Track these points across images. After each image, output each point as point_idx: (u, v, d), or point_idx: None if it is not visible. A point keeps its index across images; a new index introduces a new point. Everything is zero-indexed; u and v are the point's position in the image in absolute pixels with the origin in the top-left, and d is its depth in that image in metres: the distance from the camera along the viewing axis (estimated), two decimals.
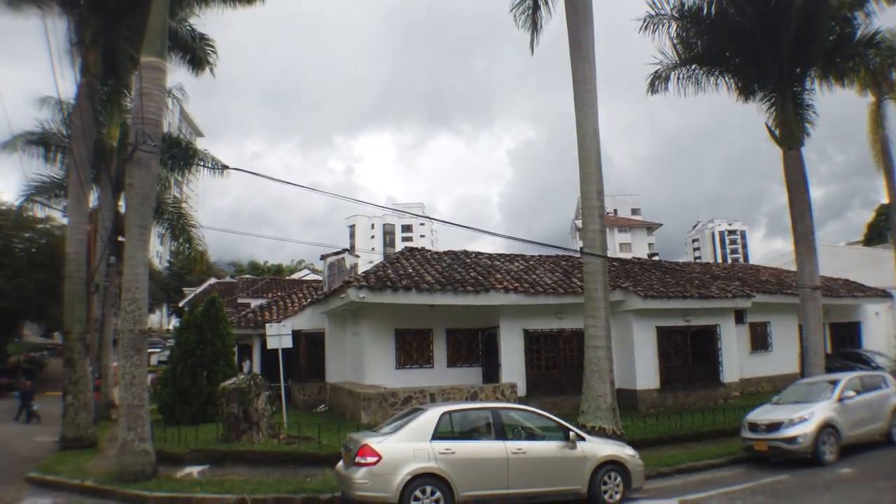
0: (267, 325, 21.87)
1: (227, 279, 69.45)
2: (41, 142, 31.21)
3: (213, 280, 64.99)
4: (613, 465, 12.12)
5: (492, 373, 23.62)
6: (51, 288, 44.62)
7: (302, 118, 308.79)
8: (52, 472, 14.78)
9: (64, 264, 20.44)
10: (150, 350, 59.22)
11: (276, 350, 20.81)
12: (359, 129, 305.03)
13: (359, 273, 25.87)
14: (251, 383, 17.49)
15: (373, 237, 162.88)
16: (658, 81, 23.45)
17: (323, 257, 30.01)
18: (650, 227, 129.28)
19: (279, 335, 20.71)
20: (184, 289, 75.04)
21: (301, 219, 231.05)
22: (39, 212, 36.57)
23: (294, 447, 16.37)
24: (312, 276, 58.78)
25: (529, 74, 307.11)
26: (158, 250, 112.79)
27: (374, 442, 10.99)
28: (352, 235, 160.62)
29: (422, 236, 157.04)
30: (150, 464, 13.61)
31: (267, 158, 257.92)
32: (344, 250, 29.87)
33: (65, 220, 42.30)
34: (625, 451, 12.58)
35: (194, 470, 14.72)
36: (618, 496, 11.97)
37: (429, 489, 10.71)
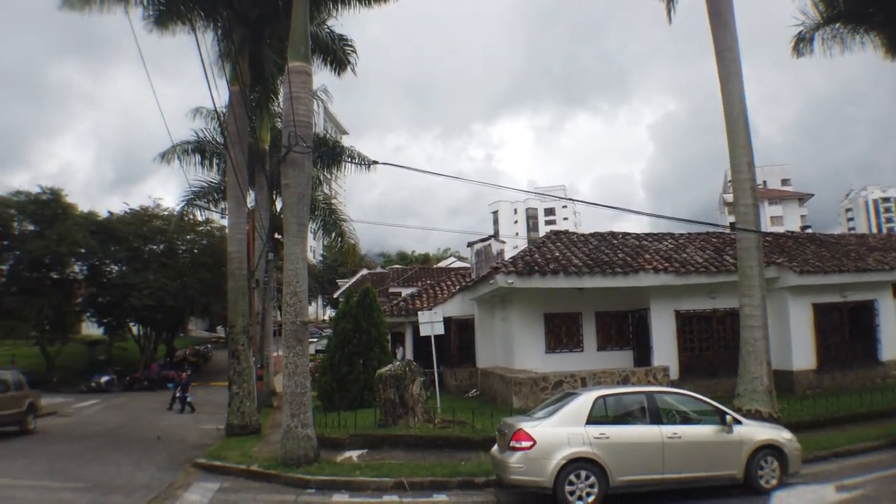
0: (419, 314, 22.30)
1: (378, 270, 71.18)
2: (197, 150, 32.79)
3: (364, 271, 66.77)
4: (770, 449, 11.81)
5: (643, 356, 23.35)
6: (213, 285, 47.27)
7: (440, 109, 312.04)
8: (219, 458, 15.73)
9: (226, 263, 21.68)
10: (308, 340, 61.36)
11: (428, 337, 21.25)
12: (496, 115, 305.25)
13: (505, 259, 26.10)
14: (406, 369, 18.10)
15: (516, 222, 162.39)
16: (802, 44, 22.45)
17: (470, 244, 30.39)
18: (801, 198, 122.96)
19: (431, 322, 21.05)
20: (337, 281, 77.53)
21: (445, 207, 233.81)
22: (199, 215, 38.22)
23: (448, 431, 16.80)
24: (459, 264, 59.40)
25: (666, 45, 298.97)
26: (312, 245, 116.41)
27: (529, 426, 11.13)
28: (495, 221, 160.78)
29: (565, 219, 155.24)
30: (312, 448, 14.39)
31: (409, 151, 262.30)
32: (490, 237, 30.18)
33: (223, 222, 44.54)
34: (782, 435, 12.23)
35: (353, 454, 15.39)
36: (774, 481, 11.69)
37: (583, 474, 10.75)
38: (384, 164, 16.71)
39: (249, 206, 24.95)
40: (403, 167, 19.96)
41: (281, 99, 27.18)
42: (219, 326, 78.36)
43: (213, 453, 16.60)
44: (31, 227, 43.10)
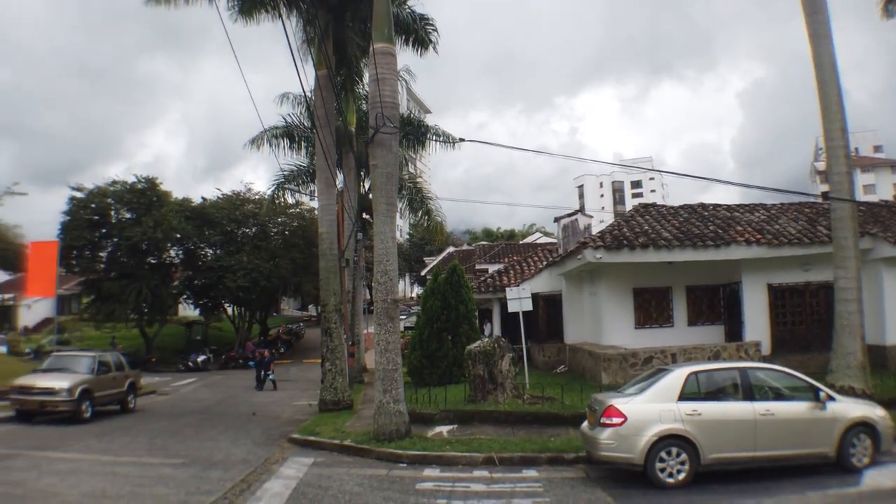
0: (507, 290, 22.27)
1: (464, 247, 71.37)
2: (285, 134, 33.32)
3: (451, 248, 67.00)
4: (863, 426, 11.39)
5: (734, 330, 22.81)
6: (304, 265, 48.29)
7: (522, 84, 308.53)
8: (313, 433, 16.05)
9: (316, 243, 22.10)
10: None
11: (516, 313, 21.23)
12: (579, 87, 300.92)
13: (593, 233, 25.86)
14: (495, 346, 18.15)
15: (602, 196, 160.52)
16: (891, 4, 21.55)
17: (556, 219, 30.19)
18: (894, 166, 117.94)
19: (519, 298, 21.01)
20: (424, 258, 78.09)
21: (529, 183, 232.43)
22: (290, 198, 38.88)
23: (537, 407, 16.80)
24: (544, 239, 59.14)
25: (751, 8, 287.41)
26: (399, 224, 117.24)
27: (620, 403, 11.04)
28: (581, 196, 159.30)
29: (652, 191, 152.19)
30: (404, 424, 14.60)
31: (492, 127, 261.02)
32: (577, 211, 29.90)
33: (312, 204, 45.31)
34: (875, 412, 11.77)
35: (444, 429, 15.56)
36: (866, 459, 11.29)
37: (674, 451, 10.60)
38: (469, 141, 16.78)
39: (338, 187, 25.31)
40: (488, 143, 20.06)
41: (365, 81, 27.43)
42: (310, 305, 79.81)
43: (306, 429, 16.96)
44: (128, 215, 44.64)
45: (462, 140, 16.48)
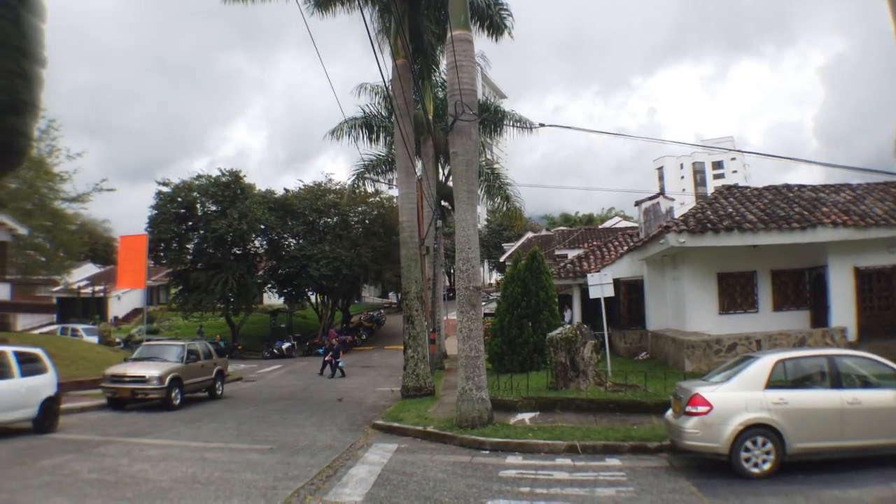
0: (588, 276, 22.05)
1: (543, 232, 70.96)
2: (364, 125, 33.74)
3: (529, 234, 66.70)
4: None
5: (819, 316, 22.08)
6: (385, 253, 48.87)
7: (598, 65, 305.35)
8: (397, 420, 16.17)
9: (396, 231, 22.29)
10: None
11: (597, 299, 21.04)
12: (656, 67, 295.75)
13: (674, 216, 25.43)
14: (577, 332, 18.01)
15: (682, 177, 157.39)
16: None
17: (637, 203, 29.81)
18: None
19: (600, 284, 20.79)
20: (502, 245, 77.96)
21: (608, 166, 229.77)
22: (369, 187, 39.28)
23: (620, 395, 16.64)
24: (624, 223, 58.44)
25: None
26: (477, 210, 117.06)
27: (706, 391, 10.82)
28: (660, 178, 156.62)
29: (734, 172, 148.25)
30: (487, 411, 14.62)
31: (569, 110, 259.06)
32: (658, 194, 29.48)
33: (391, 192, 45.72)
34: None
35: (526, 416, 15.54)
36: None
37: (760, 440, 10.35)
38: (549, 125, 16.54)
39: (417, 175, 25.44)
40: (567, 127, 19.87)
41: (442, 68, 27.51)
42: (391, 292, 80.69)
43: (390, 415, 17.14)
44: (213, 208, 46.02)
45: (541, 125, 16.27)
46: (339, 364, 30.75)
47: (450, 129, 15.61)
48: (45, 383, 15.58)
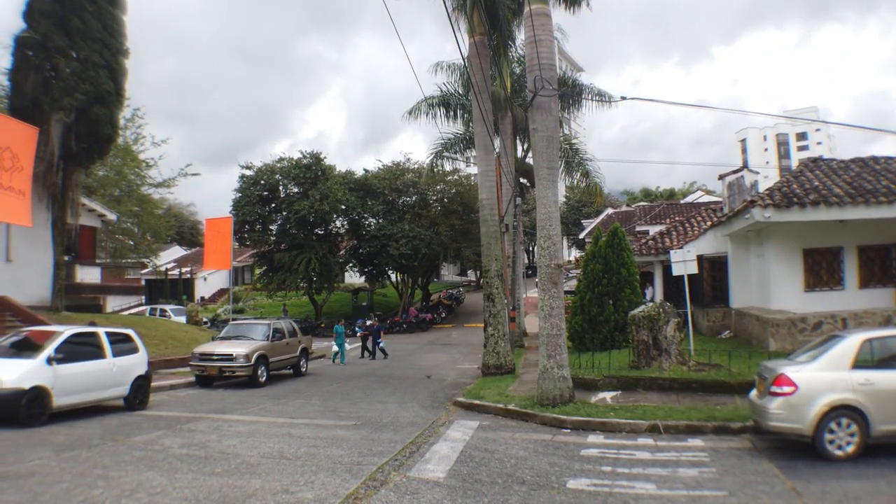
0: (671, 252, 21.65)
1: (623, 208, 70.11)
2: (441, 103, 33.75)
3: (609, 210, 66.00)
4: None
5: None
6: (463, 231, 49.00)
7: (677, 36, 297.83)
8: (478, 397, 16.26)
9: (474, 209, 22.31)
10: None
11: (679, 276, 20.70)
12: (737, 36, 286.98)
13: (759, 190, 24.81)
14: (660, 310, 17.76)
15: (766, 150, 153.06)
16: None
17: (721, 177, 29.15)
18: None
19: (683, 261, 20.38)
20: (582, 221, 77.27)
21: (688, 139, 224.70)
22: (447, 166, 39.31)
23: (703, 374, 16.36)
24: (706, 198, 57.30)
25: None
26: None
27: (791, 371, 10.56)
28: (743, 150, 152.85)
29: (818, 143, 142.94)
30: (568, 389, 14.58)
31: (647, 82, 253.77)
32: (742, 168, 28.73)
33: (469, 170, 45.79)
34: None
35: (607, 395, 15.45)
36: None
37: (844, 422, 10.07)
38: (630, 98, 16.33)
39: (495, 151, 25.38)
40: (648, 100, 19.55)
41: (519, 43, 27.32)
42: (469, 270, 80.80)
43: (471, 392, 17.24)
44: (295, 190, 46.84)
45: (623, 98, 16.04)
46: (381, 345, 30.70)
47: (529, 106, 15.51)
48: (135, 362, 16.17)
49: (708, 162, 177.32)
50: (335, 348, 29.02)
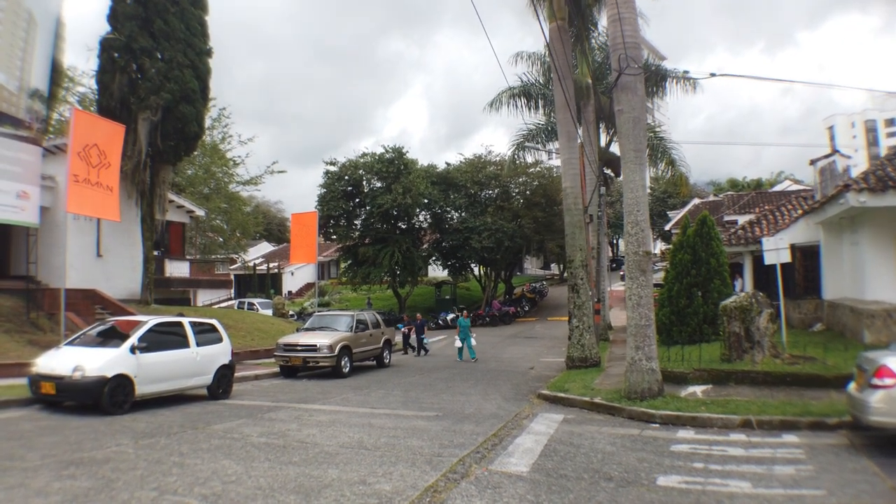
0: (763, 240, 20.89)
1: (710, 198, 68.53)
2: (522, 94, 33.76)
3: (696, 200, 64.68)
4: None
5: None
6: (546, 223, 48.64)
7: (761, 21, 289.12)
8: (562, 390, 15.91)
9: (556, 201, 21.94)
10: None
11: (769, 267, 19.99)
12: (823, 19, 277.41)
13: (851, 175, 23.77)
14: (753, 301, 17.02)
15: (854, 137, 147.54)
16: None
17: (812, 162, 28.08)
18: None
19: (776, 249, 19.65)
20: (667, 212, 75.84)
21: (774, 127, 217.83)
22: (529, 157, 39.08)
23: (797, 368, 15.65)
24: (794, 187, 55.58)
25: None
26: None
27: (894, 362, 10.10)
28: (831, 138, 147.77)
29: None
30: (657, 382, 14.10)
31: (731, 70, 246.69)
32: (834, 152, 27.64)
33: (551, 163, 45.46)
34: None
35: (697, 389, 14.92)
36: None
37: None
38: (720, 75, 15.66)
39: (578, 140, 24.97)
40: (741, 76, 18.76)
41: (600, 29, 26.84)
42: (552, 264, 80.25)
43: (555, 385, 16.94)
44: (378, 184, 47.16)
45: (712, 75, 15.38)
46: (425, 341, 30.00)
47: (614, 86, 15.05)
48: (219, 352, 16.39)
49: (796, 144, 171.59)
50: (458, 343, 26.94)
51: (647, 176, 14.84)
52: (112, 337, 14.63)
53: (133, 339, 14.00)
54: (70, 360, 13.39)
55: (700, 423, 12.20)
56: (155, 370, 14.30)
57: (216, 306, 46.22)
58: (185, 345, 15.42)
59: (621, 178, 15.90)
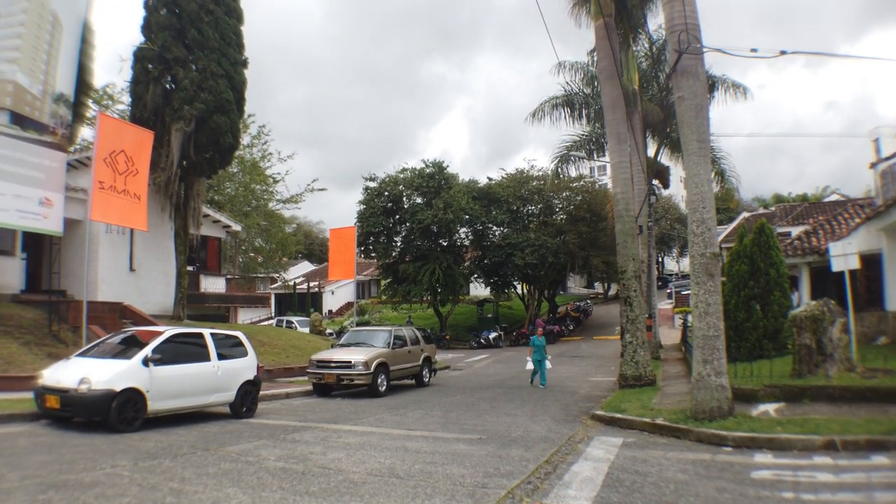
0: (830, 245, 19.53)
1: (760, 210, 66.80)
2: (565, 103, 33.30)
3: (745, 214, 62.96)
4: None
5: None
6: (591, 240, 47.70)
7: (802, 36, 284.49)
8: (619, 410, 14.60)
9: (605, 215, 20.86)
10: (688, 292, 59.91)
11: (825, 279, 18.62)
12: (861, 34, 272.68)
13: None
14: (825, 310, 15.58)
15: None
16: None
17: (872, 165, 26.76)
18: None
19: (844, 255, 18.32)
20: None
21: (818, 142, 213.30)
22: (572, 171, 38.43)
23: (877, 382, 14.19)
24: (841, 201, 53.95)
25: None
26: (683, 194, 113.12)
27: None
28: (876, 150, 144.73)
29: None
30: (727, 400, 12.60)
31: (775, 85, 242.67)
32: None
33: (596, 177, 44.60)
34: None
35: (769, 407, 13.49)
36: None
37: None
38: (792, 52, 14.12)
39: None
40: (814, 53, 17.34)
41: (648, 29, 25.86)
42: (596, 283, 78.93)
43: (610, 405, 15.64)
44: (418, 200, 46.49)
45: (783, 52, 13.98)
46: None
47: (672, 72, 13.73)
48: (243, 367, 15.29)
49: (839, 165, 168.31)
50: (529, 365, 24.13)
51: (710, 170, 13.51)
52: (129, 348, 13.54)
53: (147, 351, 12.92)
54: (77, 372, 12.31)
55: (778, 445, 10.79)
56: (170, 385, 13.20)
57: (257, 325, 45.73)
58: (206, 358, 14.33)
59: (680, 179, 14.66)
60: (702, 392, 12.59)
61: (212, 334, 14.94)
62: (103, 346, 14.09)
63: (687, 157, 13.49)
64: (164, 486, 8.13)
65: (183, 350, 13.94)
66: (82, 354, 13.75)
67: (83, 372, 12.23)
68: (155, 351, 13.01)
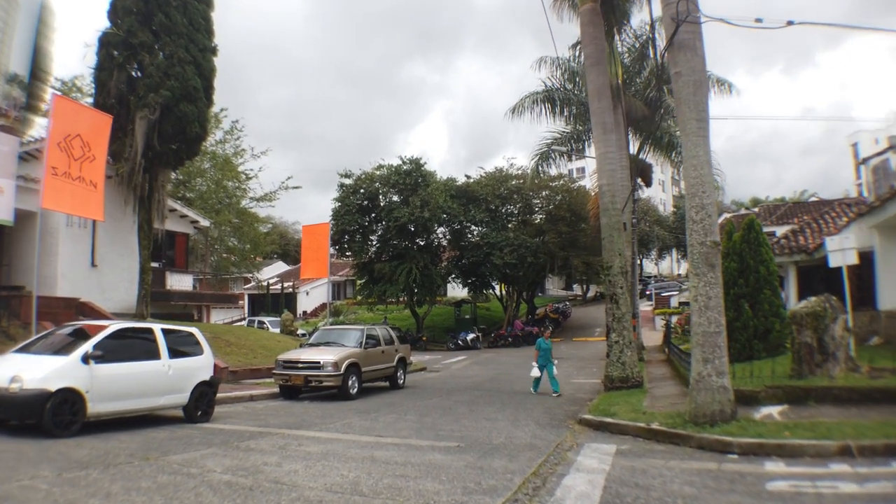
0: (825, 240, 18.81)
1: (741, 212, 66.50)
2: (545, 99, 33.06)
3: (725, 215, 62.65)
4: None
5: None
6: (571, 240, 47.14)
7: (780, 42, 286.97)
8: (608, 414, 13.62)
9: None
10: (668, 293, 59.31)
11: (813, 278, 17.85)
12: (840, 41, 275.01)
13: None
14: (826, 306, 14.65)
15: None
16: None
17: (863, 161, 26.22)
18: None
19: (841, 250, 17.52)
20: None
21: (796, 148, 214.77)
22: (552, 169, 38.21)
23: (884, 382, 13.33)
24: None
25: None
26: (661, 197, 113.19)
27: None
28: (855, 154, 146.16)
29: None
30: (729, 403, 11.52)
31: (752, 91, 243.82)
32: (888, 148, 25.58)
33: (575, 176, 44.10)
34: None
35: (773, 410, 12.50)
36: None
37: None
38: (800, 23, 13.04)
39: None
40: (821, 24, 16.44)
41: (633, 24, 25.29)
42: (575, 284, 78.42)
43: (598, 408, 14.67)
44: (395, 198, 45.78)
45: (790, 23, 12.97)
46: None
47: (669, 46, 12.72)
48: (198, 366, 14.11)
49: (816, 170, 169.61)
50: (536, 372, 20.60)
51: (711, 151, 12.48)
52: (73, 343, 12.19)
53: (87, 347, 11.66)
54: (10, 369, 11.05)
55: (789, 452, 9.79)
56: (113, 385, 11.95)
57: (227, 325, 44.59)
58: (156, 356, 13.10)
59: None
60: (702, 394, 11.52)
61: (163, 330, 13.69)
62: (47, 340, 12.79)
63: (685, 137, 12.46)
64: (82, 502, 6.95)
65: (130, 346, 12.74)
66: (21, 350, 12.48)
67: (15, 369, 10.99)
68: (97, 347, 11.75)
